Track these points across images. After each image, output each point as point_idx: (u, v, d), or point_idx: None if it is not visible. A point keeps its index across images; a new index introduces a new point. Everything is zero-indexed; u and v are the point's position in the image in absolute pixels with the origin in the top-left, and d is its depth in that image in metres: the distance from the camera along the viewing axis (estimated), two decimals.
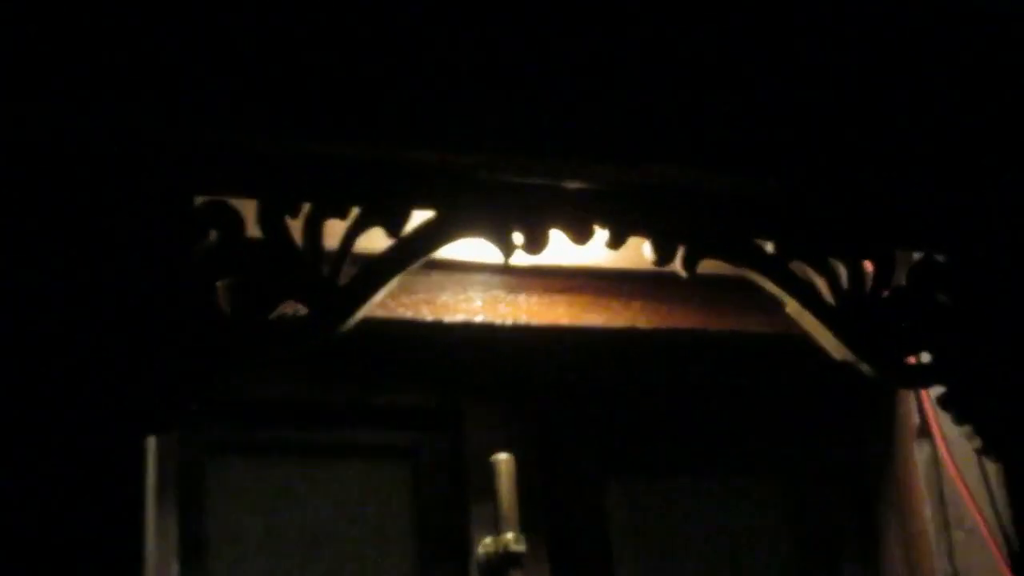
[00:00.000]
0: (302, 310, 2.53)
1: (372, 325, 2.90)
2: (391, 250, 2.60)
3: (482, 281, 3.15)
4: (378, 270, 2.58)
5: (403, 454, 3.25)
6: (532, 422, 3.28)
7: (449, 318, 3.11)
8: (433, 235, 2.62)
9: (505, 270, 3.09)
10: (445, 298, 3.11)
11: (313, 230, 2.55)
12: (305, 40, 2.58)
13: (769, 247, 2.81)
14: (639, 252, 2.77)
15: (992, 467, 2.97)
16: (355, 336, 2.62)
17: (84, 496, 2.30)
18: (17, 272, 2.37)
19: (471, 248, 2.74)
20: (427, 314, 3.09)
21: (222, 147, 2.54)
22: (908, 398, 3.31)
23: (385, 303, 2.98)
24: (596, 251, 2.81)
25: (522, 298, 3.17)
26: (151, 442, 2.47)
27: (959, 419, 2.86)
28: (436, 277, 3.10)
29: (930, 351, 2.87)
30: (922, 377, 2.93)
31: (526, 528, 3.08)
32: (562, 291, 3.19)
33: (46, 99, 2.43)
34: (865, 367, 2.80)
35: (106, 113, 2.46)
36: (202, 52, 2.51)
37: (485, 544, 3.09)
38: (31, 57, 2.43)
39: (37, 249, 2.39)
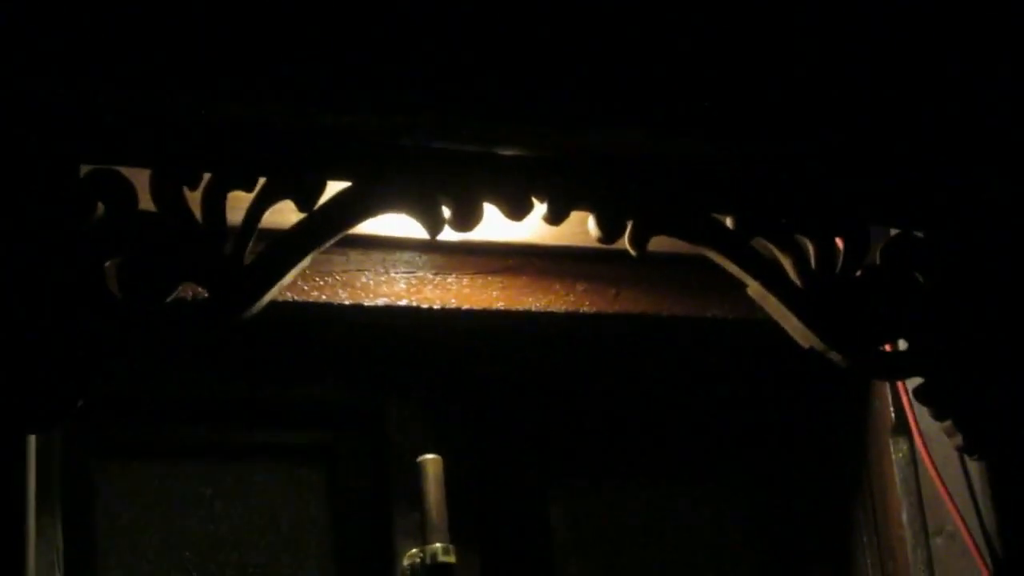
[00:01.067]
0: (202, 293, 2.53)
1: (282, 310, 2.96)
2: (302, 225, 2.61)
3: (406, 260, 3.16)
4: (287, 248, 2.59)
5: (319, 455, 3.26)
6: (463, 419, 3.30)
7: (369, 302, 3.11)
8: (350, 208, 2.63)
9: (432, 248, 3.10)
10: (365, 279, 3.11)
11: (214, 203, 2.55)
12: None
13: (728, 222, 2.84)
14: (583, 228, 2.78)
15: (975, 467, 2.99)
16: (264, 323, 2.62)
17: None
18: None
19: (394, 223, 2.77)
20: (344, 297, 3.09)
21: (111, 109, 2.53)
22: (883, 391, 3.32)
23: (297, 285, 3.03)
24: (535, 227, 2.84)
25: (452, 279, 3.18)
26: (31, 442, 2.44)
27: (938, 414, 2.89)
28: (354, 256, 3.11)
29: (907, 338, 2.90)
30: (898, 367, 2.95)
31: (456, 537, 3.10)
32: (497, 271, 3.20)
33: None
34: (835, 355, 2.84)
35: None
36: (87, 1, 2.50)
37: (411, 555, 3.11)
38: None
39: None
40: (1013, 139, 3.00)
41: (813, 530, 3.49)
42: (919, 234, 2.95)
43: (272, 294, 2.57)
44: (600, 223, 2.76)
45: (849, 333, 2.84)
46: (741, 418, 3.54)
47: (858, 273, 2.88)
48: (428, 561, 3.07)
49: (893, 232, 2.96)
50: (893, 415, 3.28)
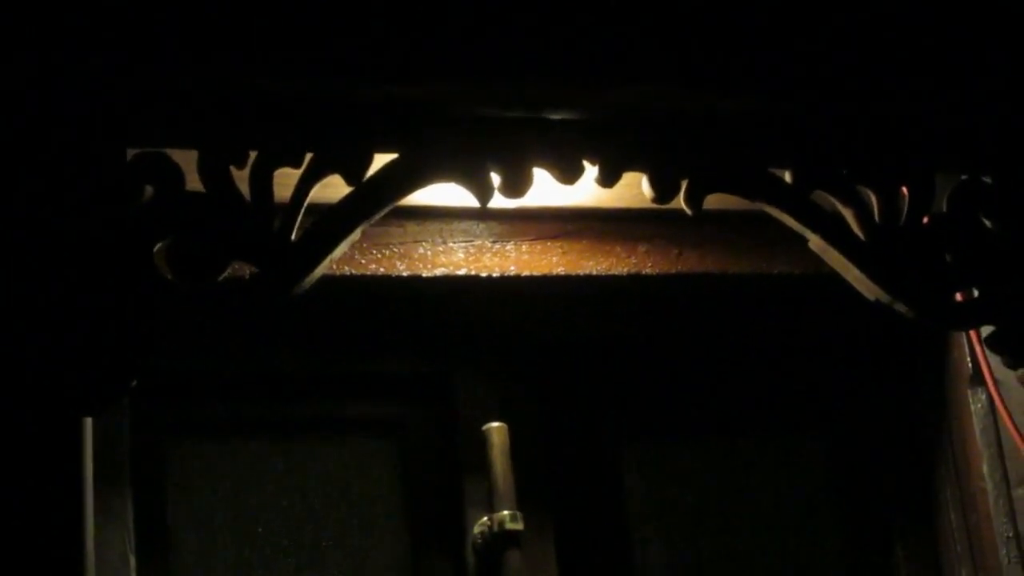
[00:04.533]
0: (250, 271, 2.57)
1: (342, 284, 3.03)
2: (349, 199, 2.63)
3: (464, 229, 3.19)
4: (335, 222, 2.61)
5: (388, 427, 3.29)
6: (531, 386, 3.31)
7: (428, 273, 3.15)
8: (397, 180, 2.65)
9: (490, 216, 3.13)
10: (422, 250, 3.15)
11: (261, 180, 2.59)
12: None
13: (787, 176, 2.82)
14: (642, 189, 2.78)
15: None
16: (326, 297, 2.70)
17: (14, 488, 2.36)
18: None
19: (449, 193, 2.78)
20: (403, 269, 3.13)
21: (155, 92, 2.58)
22: (960, 341, 3.30)
23: (355, 259, 3.07)
24: (593, 190, 2.83)
25: (510, 247, 3.20)
26: (87, 425, 2.50)
27: (1012, 362, 2.86)
28: (411, 227, 3.14)
29: (977, 286, 2.88)
30: (968, 316, 2.91)
31: (526, 504, 3.13)
32: (556, 236, 3.22)
33: None
34: (901, 307, 2.81)
35: (20, 58, 2.50)
36: None
37: (480, 523, 3.14)
38: None
39: None
40: None
41: (895, 484, 3.48)
42: (987, 179, 2.93)
43: (322, 269, 2.60)
44: (653, 183, 2.76)
45: (915, 284, 2.82)
46: (817, 373, 3.53)
47: (924, 221, 2.85)
48: (496, 529, 3.10)
49: (960, 179, 2.92)
50: (971, 365, 3.26)
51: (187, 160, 2.57)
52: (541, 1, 2.72)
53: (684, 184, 2.76)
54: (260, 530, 3.17)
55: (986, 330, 2.92)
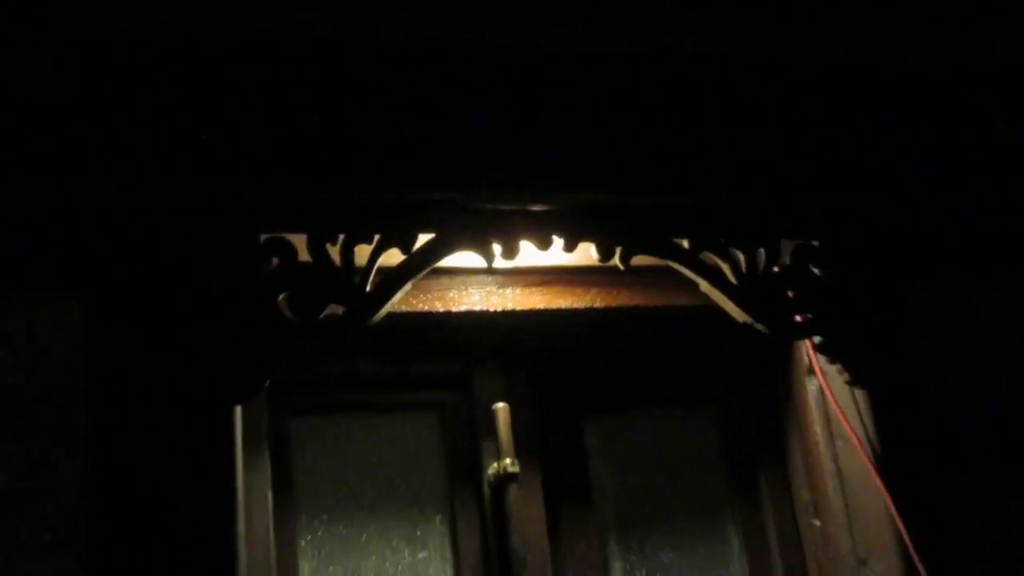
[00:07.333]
0: (341, 310, 2.67)
1: (403, 317, 3.05)
2: (403, 264, 2.75)
3: (478, 281, 3.21)
4: (394, 279, 2.73)
5: (434, 408, 3.30)
6: (522, 379, 3.31)
7: (456, 309, 3.17)
8: (434, 251, 2.77)
9: (495, 272, 3.16)
10: (452, 294, 3.17)
11: (347, 253, 2.71)
12: (339, 120, 2.74)
13: (685, 243, 2.93)
14: (591, 253, 2.88)
15: (860, 393, 3.02)
16: (390, 326, 2.78)
17: (190, 452, 2.50)
18: (145, 291, 2.58)
19: (469, 259, 2.87)
20: (439, 307, 3.15)
21: (278, 197, 2.70)
22: (800, 346, 3.32)
23: (408, 301, 3.10)
24: (561, 254, 2.92)
25: (508, 291, 3.22)
26: (238, 410, 2.62)
27: (831, 359, 2.98)
28: (444, 280, 3.17)
29: (810, 311, 2.96)
30: (803, 331, 2.99)
31: (520, 455, 3.16)
32: (539, 284, 3.24)
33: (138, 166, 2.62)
34: (761, 327, 2.92)
35: (190, 176, 2.64)
36: (261, 128, 2.68)
37: (492, 467, 3.16)
38: (128, 135, 2.63)
39: (157, 276, 2.59)
40: (872, 177, 3.05)
41: (764, 440, 3.45)
42: (815, 243, 3.02)
43: (387, 308, 2.72)
44: (598, 249, 2.88)
45: (769, 311, 2.93)
46: (710, 370, 3.51)
47: (775, 270, 2.96)
48: (502, 471, 3.13)
49: (797, 242, 3.01)
50: (807, 362, 3.28)
51: (299, 240, 2.69)
52: (523, 137, 2.82)
53: (618, 250, 2.87)
54: (349, 476, 3.18)
55: (817, 339, 2.99)
